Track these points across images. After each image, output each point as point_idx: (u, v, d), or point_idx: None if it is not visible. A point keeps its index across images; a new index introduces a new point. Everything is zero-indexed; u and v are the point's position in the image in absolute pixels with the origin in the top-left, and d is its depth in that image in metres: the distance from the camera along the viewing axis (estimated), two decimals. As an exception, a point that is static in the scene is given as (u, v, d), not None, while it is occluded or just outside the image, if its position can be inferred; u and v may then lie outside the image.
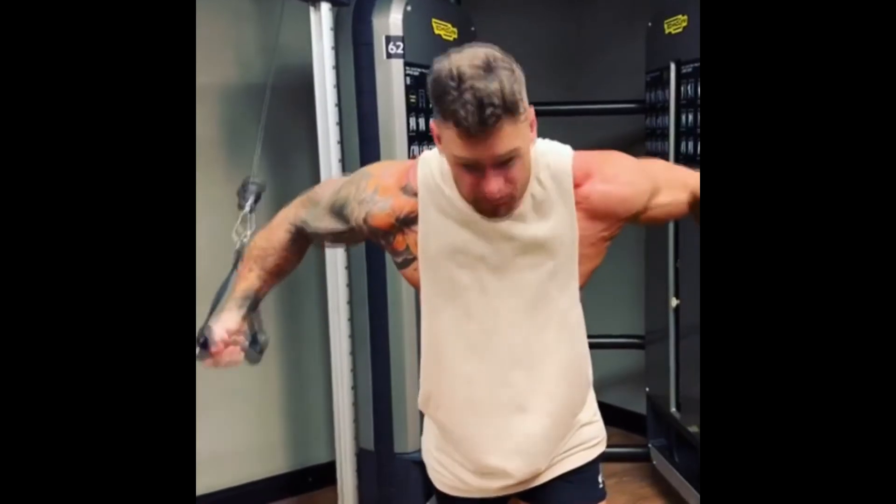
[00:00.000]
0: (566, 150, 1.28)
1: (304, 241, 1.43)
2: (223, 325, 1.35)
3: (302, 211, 1.40)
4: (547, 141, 1.29)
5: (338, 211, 1.34)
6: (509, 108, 1.09)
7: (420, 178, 1.28)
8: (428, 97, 1.16)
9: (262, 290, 1.42)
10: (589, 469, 1.39)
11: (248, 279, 1.41)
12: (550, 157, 1.26)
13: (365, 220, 1.30)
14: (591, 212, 1.26)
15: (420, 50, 2.39)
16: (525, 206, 1.23)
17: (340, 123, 2.40)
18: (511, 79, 1.10)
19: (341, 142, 2.40)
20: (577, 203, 1.25)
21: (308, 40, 2.37)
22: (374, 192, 1.30)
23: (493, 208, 1.21)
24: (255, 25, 2.82)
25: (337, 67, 2.37)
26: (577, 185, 1.25)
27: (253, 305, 1.40)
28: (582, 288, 1.32)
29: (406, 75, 2.35)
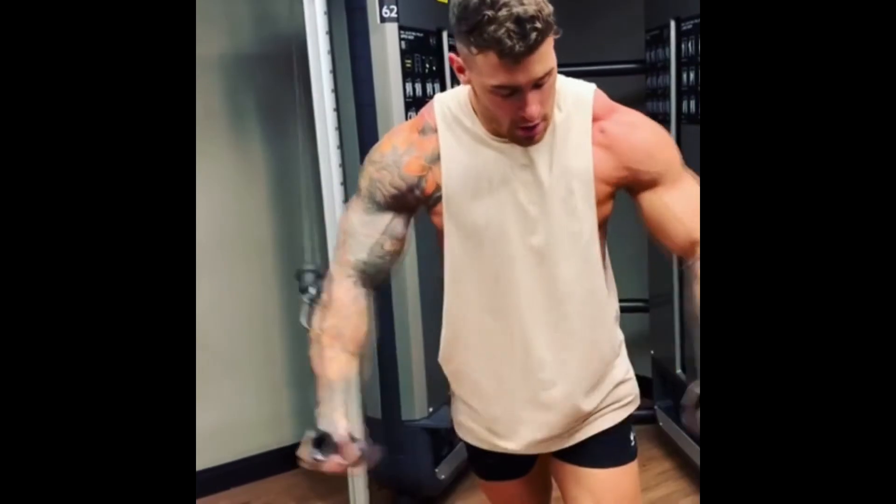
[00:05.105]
0: (590, 84, 1.29)
1: (367, 286, 1.33)
2: (339, 423, 1.21)
3: (344, 257, 1.31)
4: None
5: (372, 206, 1.30)
6: (548, 27, 1.08)
7: (438, 114, 1.28)
8: (452, 31, 1.12)
9: (356, 369, 1.29)
10: (623, 428, 1.39)
11: (338, 363, 1.27)
12: (572, 86, 1.27)
13: (401, 177, 1.28)
14: (606, 146, 1.25)
15: (415, 13, 2.34)
16: (546, 132, 1.23)
17: (336, 90, 2.36)
18: None
19: (337, 109, 2.37)
20: (593, 136, 1.24)
21: (300, 6, 2.33)
22: (393, 152, 1.29)
23: (529, 136, 1.19)
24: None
25: (330, 33, 2.33)
26: (596, 119, 1.25)
27: (354, 390, 1.28)
28: (601, 226, 1.29)
29: (401, 39, 2.30)
